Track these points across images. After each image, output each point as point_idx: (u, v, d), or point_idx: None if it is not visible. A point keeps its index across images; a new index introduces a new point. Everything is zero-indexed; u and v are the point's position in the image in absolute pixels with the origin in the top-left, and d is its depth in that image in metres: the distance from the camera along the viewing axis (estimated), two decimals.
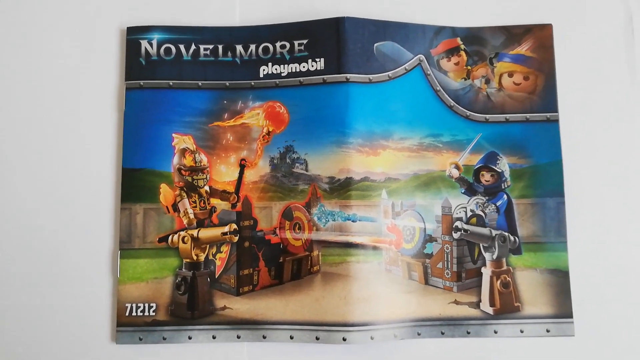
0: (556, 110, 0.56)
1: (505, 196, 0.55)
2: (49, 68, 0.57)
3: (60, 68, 0.57)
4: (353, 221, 0.53)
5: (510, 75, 0.57)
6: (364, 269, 0.52)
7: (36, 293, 0.53)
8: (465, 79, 0.57)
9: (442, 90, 0.57)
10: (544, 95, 0.56)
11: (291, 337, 0.52)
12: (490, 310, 0.53)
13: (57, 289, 0.53)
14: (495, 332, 0.53)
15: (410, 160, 0.55)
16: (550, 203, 0.55)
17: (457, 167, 0.56)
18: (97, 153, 0.55)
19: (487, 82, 0.57)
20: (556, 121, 0.56)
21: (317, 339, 0.51)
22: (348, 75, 0.54)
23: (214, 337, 0.52)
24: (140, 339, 0.52)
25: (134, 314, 0.52)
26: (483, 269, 0.54)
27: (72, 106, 0.56)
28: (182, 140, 0.55)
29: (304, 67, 0.55)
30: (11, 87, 0.56)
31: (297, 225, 0.54)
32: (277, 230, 0.54)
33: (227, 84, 0.56)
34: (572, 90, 0.57)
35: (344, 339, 0.50)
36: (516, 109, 0.56)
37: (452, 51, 0.57)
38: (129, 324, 0.52)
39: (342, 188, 0.53)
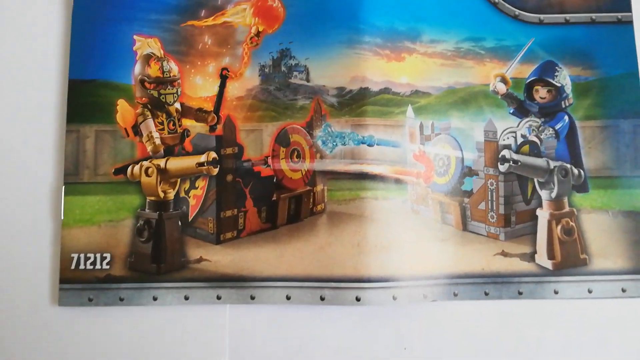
0: (629, 10, 0.51)
1: (566, 117, 0.50)
2: None
3: None
4: (369, 145, 0.49)
5: None
6: (383, 208, 0.48)
7: None
8: None
9: None
10: None
11: (288, 298, 0.47)
12: (548, 265, 0.48)
13: None
14: (556, 293, 0.48)
15: (444, 69, 0.51)
16: (625, 126, 0.50)
17: (503, 80, 0.51)
18: (37, 60, 0.51)
19: None
20: (630, 22, 0.51)
21: (322, 299, 0.47)
22: None
23: (186, 298, 0.48)
24: (90, 300, 0.48)
25: (81, 267, 0.48)
26: (538, 211, 0.49)
27: (6, 2, 0.52)
28: (145, 44, 0.50)
29: None
30: None
31: (296, 153, 0.50)
32: (269, 160, 0.50)
33: None
34: None
35: (358, 299, 0.46)
36: (578, 7, 0.52)
37: None
38: (75, 280, 0.48)
39: (354, 102, 0.49)
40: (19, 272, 0.48)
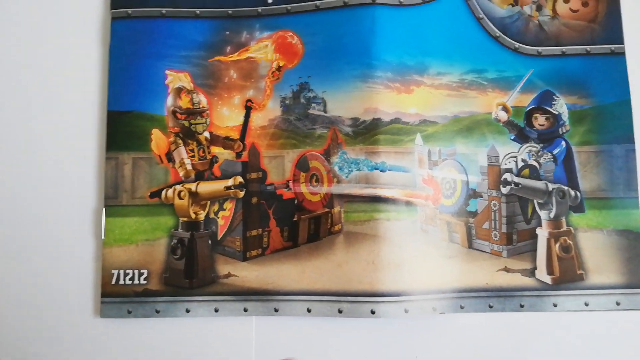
0: (622, 42, 0.52)
1: (563, 143, 0.51)
2: None
3: None
4: (382, 171, 0.49)
5: (566, 0, 0.53)
6: (395, 228, 0.48)
7: (7, 258, 0.50)
8: (513, 5, 0.53)
9: (485, 18, 0.52)
10: (607, 24, 0.52)
11: (308, 310, 0.48)
12: (547, 280, 0.49)
13: (32, 253, 0.50)
14: (555, 306, 0.48)
15: (450, 99, 0.51)
16: (618, 150, 0.50)
17: (505, 108, 0.51)
18: (79, 94, 0.51)
19: (539, 8, 0.53)
20: (622, 54, 0.51)
21: (340, 311, 0.47)
22: None
23: (216, 310, 0.48)
24: (129, 312, 0.48)
25: (121, 282, 0.48)
26: (538, 230, 0.50)
27: (50, 39, 0.52)
28: (177, 78, 0.51)
29: None
30: None
31: (315, 177, 0.50)
32: (291, 184, 0.50)
33: (230, 11, 0.52)
34: (639, 18, 0.52)
35: (373, 312, 0.46)
36: (574, 40, 0.52)
37: None
38: (115, 294, 0.48)
39: (368, 131, 0.49)
40: (64, 287, 0.49)
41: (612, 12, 0.52)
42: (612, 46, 0.51)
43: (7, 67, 0.52)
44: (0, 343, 0.48)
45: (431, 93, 0.51)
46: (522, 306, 0.48)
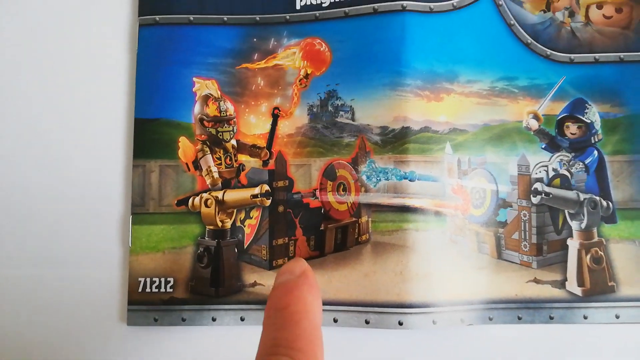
0: None
1: (595, 152, 0.50)
2: (50, 3, 0.53)
3: (62, 2, 0.53)
4: (411, 180, 0.48)
5: (600, 6, 0.52)
6: (424, 239, 0.47)
7: (35, 265, 0.50)
8: (545, 11, 0.52)
9: (516, 24, 0.51)
10: None
11: (335, 320, 0.47)
12: (578, 291, 0.48)
13: (59, 260, 0.50)
14: (585, 318, 0.48)
15: (480, 107, 0.50)
16: None
17: (536, 117, 0.50)
18: (106, 101, 0.51)
19: (572, 14, 0.52)
20: None
21: (367, 322, 0.47)
22: (404, 3, 0.49)
23: (242, 319, 0.48)
24: (156, 320, 0.48)
25: (147, 290, 0.48)
26: (569, 241, 0.49)
27: (77, 46, 0.53)
28: (204, 86, 0.51)
29: None
30: (7, 24, 0.53)
31: (342, 186, 0.50)
32: (318, 192, 0.50)
33: (258, 18, 0.52)
34: None
35: (400, 323, 0.46)
36: (607, 47, 0.51)
37: None
38: (142, 302, 0.48)
39: (397, 140, 0.48)
40: (92, 294, 0.49)
41: None
42: None
43: (35, 74, 0.52)
44: (29, 350, 0.49)
45: (461, 101, 0.50)
46: (551, 318, 0.47)
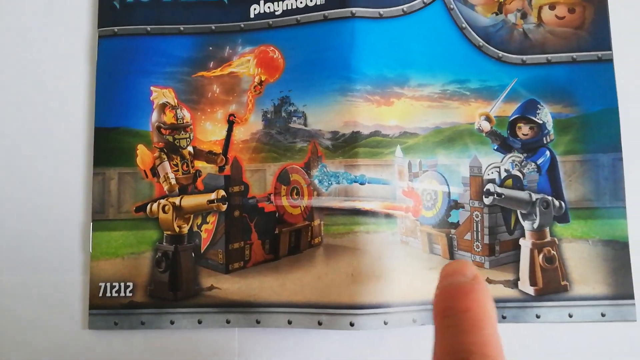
0: (609, 48, 0.51)
1: (547, 152, 0.50)
2: (9, 13, 0.54)
3: (23, 15, 0.54)
4: (361, 184, 0.49)
5: (552, 7, 0.53)
6: (374, 241, 0.48)
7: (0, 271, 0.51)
8: (497, 14, 0.53)
9: (468, 27, 0.52)
10: (594, 31, 0.51)
11: (289, 322, 0.48)
12: (530, 291, 0.49)
13: (21, 267, 0.51)
14: (538, 317, 0.48)
15: (431, 111, 0.51)
16: (604, 160, 0.50)
17: (488, 118, 0.51)
18: (66, 110, 0.53)
19: (524, 16, 0.53)
20: (609, 61, 0.51)
21: (320, 323, 0.47)
22: (354, 10, 0.50)
23: (199, 322, 0.49)
24: (116, 324, 0.49)
25: (108, 294, 0.49)
26: (521, 241, 0.50)
27: (37, 58, 0.54)
28: (161, 94, 0.52)
29: (301, 2, 0.52)
30: None
31: (295, 190, 0.51)
32: (272, 197, 0.51)
33: (213, 27, 0.53)
34: (628, 24, 0.52)
35: (352, 324, 0.46)
36: (560, 47, 0.51)
37: None
38: (102, 307, 0.49)
39: (347, 145, 0.49)
40: (54, 300, 0.50)
41: (599, 18, 0.51)
42: (599, 53, 0.51)
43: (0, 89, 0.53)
44: None
45: (412, 105, 0.51)
46: (504, 317, 0.48)
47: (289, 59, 0.51)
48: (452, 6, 0.52)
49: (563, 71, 0.51)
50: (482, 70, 0.51)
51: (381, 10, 0.51)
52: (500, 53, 0.51)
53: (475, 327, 0.31)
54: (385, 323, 0.47)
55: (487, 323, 0.31)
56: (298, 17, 0.52)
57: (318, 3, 0.51)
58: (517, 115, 0.51)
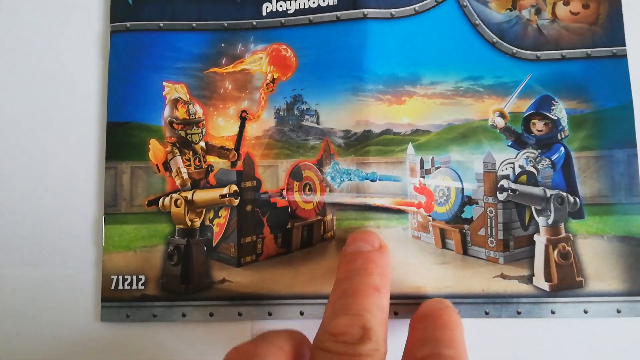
0: (624, 44, 0.51)
1: (562, 149, 0.51)
2: (22, 9, 0.55)
3: (36, 10, 0.55)
4: (372, 180, 0.50)
5: (566, 3, 0.53)
6: (385, 235, 0.49)
7: (10, 264, 0.52)
8: (511, 10, 0.53)
9: (482, 24, 0.52)
10: (609, 26, 0.52)
11: (301, 313, 0.49)
12: (545, 286, 0.49)
13: (34, 260, 0.52)
14: (553, 313, 0.48)
15: (444, 108, 0.51)
16: (619, 155, 0.50)
17: (502, 115, 0.51)
18: (79, 105, 0.53)
19: (538, 12, 0.53)
20: (624, 56, 0.51)
21: None
22: (365, 11, 0.52)
23: (211, 315, 0.50)
24: (128, 316, 0.50)
25: (120, 287, 0.50)
26: (536, 237, 0.50)
27: (50, 53, 0.54)
28: (174, 90, 0.52)
29: (313, 2, 0.53)
30: None
31: (308, 186, 0.52)
32: (285, 192, 0.51)
33: (225, 24, 0.53)
34: None
35: None
36: (574, 43, 0.52)
37: None
38: (114, 299, 0.50)
39: (359, 143, 0.51)
40: (66, 292, 0.51)
41: (614, 13, 0.52)
42: (614, 49, 0.51)
43: (8, 80, 0.54)
44: (3, 348, 0.51)
45: (424, 103, 0.51)
46: (519, 313, 0.48)
47: (302, 58, 0.52)
48: (465, 3, 0.52)
49: (578, 67, 0.51)
50: (496, 66, 0.52)
51: (393, 11, 0.52)
52: (515, 49, 0.52)
53: (446, 328, 0.40)
54: (396, 314, 0.48)
55: (455, 328, 0.40)
56: (310, 16, 0.52)
57: (330, 3, 0.52)
58: (531, 111, 0.51)
